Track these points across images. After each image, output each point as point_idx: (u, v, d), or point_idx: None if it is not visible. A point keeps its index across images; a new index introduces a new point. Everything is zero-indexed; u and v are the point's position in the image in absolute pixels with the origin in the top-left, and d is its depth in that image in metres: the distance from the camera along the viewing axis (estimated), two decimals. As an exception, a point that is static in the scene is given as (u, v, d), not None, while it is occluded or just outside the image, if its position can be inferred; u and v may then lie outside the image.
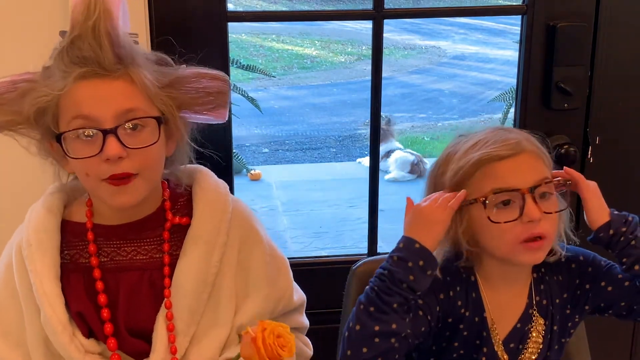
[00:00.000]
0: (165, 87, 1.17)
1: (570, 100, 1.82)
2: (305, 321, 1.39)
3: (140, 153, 1.13)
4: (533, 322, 1.26)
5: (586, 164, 1.87)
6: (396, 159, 5.41)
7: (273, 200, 4.88)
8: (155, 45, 1.61)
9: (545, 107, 1.84)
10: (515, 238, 1.17)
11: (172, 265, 1.22)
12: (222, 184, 1.28)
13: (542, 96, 1.83)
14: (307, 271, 1.91)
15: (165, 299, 1.20)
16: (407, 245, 1.18)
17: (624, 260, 1.20)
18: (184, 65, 1.23)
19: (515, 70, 1.89)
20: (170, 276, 1.21)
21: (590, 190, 1.22)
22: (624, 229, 1.19)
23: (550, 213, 1.18)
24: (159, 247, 1.22)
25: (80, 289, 1.20)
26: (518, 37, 1.86)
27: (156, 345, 1.20)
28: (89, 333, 1.20)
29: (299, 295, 1.36)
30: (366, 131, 5.75)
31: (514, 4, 1.93)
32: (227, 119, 1.27)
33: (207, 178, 1.27)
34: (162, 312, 1.21)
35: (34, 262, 1.18)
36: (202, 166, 1.30)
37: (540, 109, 1.84)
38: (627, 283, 1.23)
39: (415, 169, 5.37)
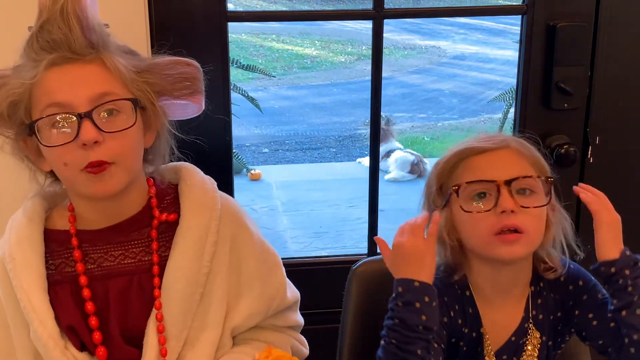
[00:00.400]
0: (141, 72, 1.15)
1: (570, 100, 1.82)
2: (299, 319, 1.36)
3: (116, 139, 1.09)
4: (529, 335, 1.25)
5: (586, 164, 1.87)
6: (396, 159, 5.41)
7: (273, 200, 4.88)
8: (156, 45, 1.62)
9: (545, 107, 1.84)
10: (489, 229, 1.16)
11: (162, 266, 1.18)
12: (209, 180, 1.25)
13: (542, 96, 1.83)
14: (307, 271, 1.91)
15: (155, 299, 1.17)
16: (407, 287, 1.14)
17: (615, 301, 1.18)
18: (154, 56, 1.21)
19: (515, 70, 1.89)
20: (160, 276, 1.17)
21: (605, 222, 1.19)
22: (627, 272, 1.16)
23: (527, 207, 1.16)
24: (147, 249, 1.19)
25: (68, 300, 1.17)
26: (518, 37, 1.86)
27: (147, 349, 1.16)
28: (81, 345, 1.17)
29: (292, 292, 1.33)
30: (366, 131, 5.75)
31: (514, 4, 1.93)
32: (203, 107, 1.24)
33: (193, 174, 1.24)
34: (153, 313, 1.17)
35: (19, 276, 1.15)
36: (186, 162, 1.27)
37: (540, 109, 1.84)
38: (612, 324, 1.20)
39: (415, 169, 5.37)
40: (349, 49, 9.43)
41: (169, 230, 1.20)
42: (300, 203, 4.80)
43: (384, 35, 1.80)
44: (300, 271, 1.88)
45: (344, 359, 1.43)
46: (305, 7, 9.75)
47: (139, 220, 1.20)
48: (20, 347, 1.19)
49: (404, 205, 4.81)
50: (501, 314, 1.24)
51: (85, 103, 1.08)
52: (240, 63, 4.67)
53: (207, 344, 1.20)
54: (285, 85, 8.18)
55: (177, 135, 1.24)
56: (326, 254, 3.88)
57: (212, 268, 1.19)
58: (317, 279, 1.90)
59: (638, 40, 1.84)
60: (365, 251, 1.96)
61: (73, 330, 1.16)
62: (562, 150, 1.81)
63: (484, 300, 1.25)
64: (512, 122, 1.98)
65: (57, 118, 1.08)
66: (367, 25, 7.52)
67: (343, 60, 9.10)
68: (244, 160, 5.07)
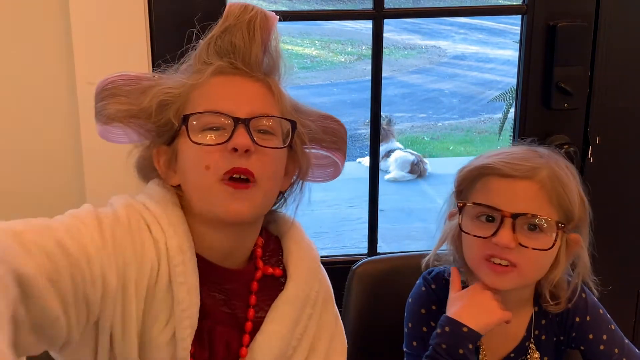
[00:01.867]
0: (298, 112, 1.11)
1: (570, 100, 1.82)
2: None
3: (264, 157, 1.02)
4: (529, 355, 1.24)
5: (586, 164, 1.87)
6: (396, 159, 5.42)
7: (273, 200, 4.88)
8: (155, 45, 1.61)
9: (545, 107, 1.83)
10: (481, 252, 1.15)
11: (255, 326, 1.08)
12: (313, 245, 1.18)
13: (542, 96, 1.83)
14: (307, 271, 1.90)
15: (241, 358, 1.07)
16: (454, 329, 1.13)
17: None
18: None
19: (515, 70, 1.89)
20: (251, 336, 1.07)
21: None
22: None
23: (526, 247, 1.12)
24: (244, 306, 1.08)
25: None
26: (518, 37, 1.86)
27: None
28: None
29: None
30: (366, 131, 5.75)
31: (514, 4, 1.93)
32: (341, 171, 1.22)
33: (302, 233, 1.17)
34: None
35: (186, 276, 1.01)
36: (290, 215, 1.18)
37: (540, 109, 1.84)
38: None
39: (415, 168, 5.37)
40: (349, 49, 9.44)
41: (269, 288, 1.10)
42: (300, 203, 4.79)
43: (384, 35, 1.80)
44: (300, 271, 1.88)
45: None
46: (305, 7, 9.75)
47: (245, 271, 1.10)
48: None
49: (404, 205, 4.81)
50: (503, 328, 1.21)
51: (244, 113, 1.03)
52: (240, 63, 4.67)
53: None
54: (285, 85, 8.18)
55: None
56: (326, 254, 3.87)
57: (300, 343, 1.10)
58: (317, 279, 1.90)
59: (638, 40, 1.83)
60: (365, 251, 1.96)
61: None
62: (562, 150, 1.80)
63: None
64: (512, 122, 1.98)
65: (213, 119, 1.02)
66: (367, 25, 7.52)
67: (343, 60, 9.11)
68: (244, 160, 5.07)
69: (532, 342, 1.24)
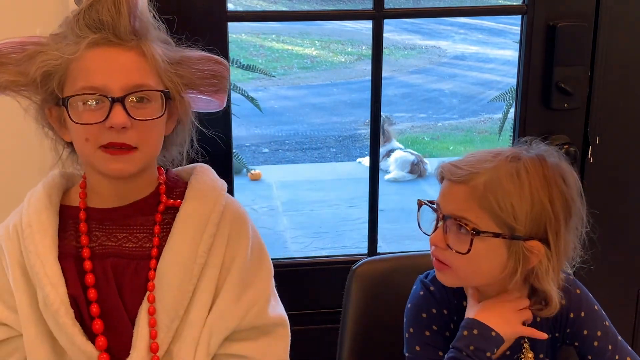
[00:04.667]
0: (173, 64, 1.19)
1: (570, 100, 1.82)
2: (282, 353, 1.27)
3: (142, 126, 1.13)
4: (523, 352, 1.25)
5: (586, 163, 1.87)
6: (396, 159, 5.41)
7: (273, 200, 4.88)
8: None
9: (545, 107, 1.84)
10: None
11: (160, 252, 1.19)
12: (220, 181, 1.27)
13: (542, 96, 1.83)
14: (307, 271, 1.91)
15: (149, 292, 1.17)
16: (482, 333, 1.16)
17: None
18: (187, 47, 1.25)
19: (515, 70, 1.89)
20: (157, 260, 1.19)
21: None
22: None
23: (448, 249, 1.16)
24: (150, 236, 1.21)
25: (73, 272, 1.18)
26: (518, 37, 1.86)
27: (136, 342, 1.16)
28: (80, 317, 1.18)
29: (277, 312, 1.27)
30: (366, 131, 5.76)
31: (514, 4, 1.92)
32: (225, 105, 1.29)
33: (205, 171, 1.27)
34: (145, 305, 1.17)
35: (35, 243, 1.17)
36: (203, 164, 1.30)
37: (540, 108, 1.84)
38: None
39: (415, 169, 5.37)
40: (349, 49, 9.43)
41: (173, 218, 1.21)
42: (300, 203, 4.80)
43: (384, 35, 1.80)
44: (300, 271, 1.88)
45: (344, 359, 1.43)
46: (305, 7, 9.75)
47: (146, 204, 1.22)
48: (22, 315, 1.19)
49: (404, 205, 4.81)
50: None
51: (119, 89, 1.11)
52: (240, 63, 4.67)
53: (190, 340, 1.18)
54: (285, 85, 8.18)
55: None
56: (326, 254, 3.88)
57: (207, 261, 1.19)
58: (317, 279, 1.90)
59: (638, 40, 1.84)
60: (365, 251, 1.96)
61: (74, 300, 1.17)
62: (562, 150, 1.80)
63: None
64: (512, 122, 1.98)
65: (91, 99, 1.11)
66: (367, 25, 7.50)
67: (343, 60, 9.10)
68: (244, 160, 5.08)
69: (526, 341, 1.24)
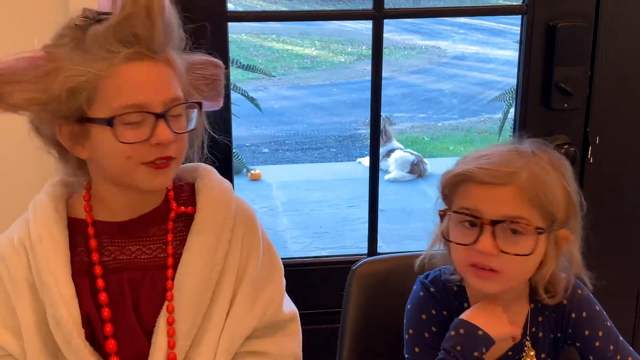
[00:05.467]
0: (189, 70, 1.18)
1: (570, 100, 1.82)
2: (296, 349, 1.29)
3: (180, 137, 1.13)
4: (524, 352, 1.24)
5: (586, 163, 1.87)
6: (396, 159, 5.41)
7: (273, 200, 4.88)
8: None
9: (545, 107, 1.83)
10: (465, 259, 1.14)
11: (176, 261, 1.18)
12: (226, 182, 1.27)
13: (542, 96, 1.83)
14: (307, 271, 1.91)
15: (167, 302, 1.17)
16: (469, 332, 1.14)
17: None
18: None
19: (515, 70, 1.89)
20: (174, 270, 1.17)
21: None
22: None
23: (507, 253, 1.11)
24: (164, 246, 1.19)
25: (86, 290, 1.16)
26: (518, 37, 1.86)
27: (154, 353, 1.15)
28: (91, 336, 1.16)
29: (290, 308, 1.30)
30: (366, 131, 5.76)
31: (514, 4, 1.92)
32: (221, 104, 1.28)
33: (210, 173, 1.26)
34: (163, 315, 1.16)
35: (47, 259, 1.14)
36: (204, 164, 1.28)
37: (540, 109, 1.84)
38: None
39: (415, 169, 5.37)
40: (349, 49, 9.43)
41: (185, 224, 1.21)
42: (300, 203, 4.80)
43: (384, 35, 1.80)
44: (300, 271, 1.88)
45: (344, 359, 1.43)
46: (305, 7, 9.75)
47: (158, 213, 1.20)
48: (26, 333, 1.16)
49: (404, 205, 4.81)
50: None
51: (160, 104, 1.09)
52: (240, 63, 4.67)
53: (210, 346, 1.18)
54: (285, 85, 8.19)
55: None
56: (326, 254, 3.88)
57: (224, 266, 1.19)
58: (317, 279, 1.90)
59: (638, 40, 1.84)
60: (365, 251, 1.96)
61: (88, 319, 1.15)
62: (562, 150, 1.80)
63: None
64: (512, 122, 1.98)
65: (136, 118, 1.08)
66: (367, 25, 7.51)
67: (343, 60, 9.10)
68: (244, 160, 5.08)
69: (528, 340, 1.24)
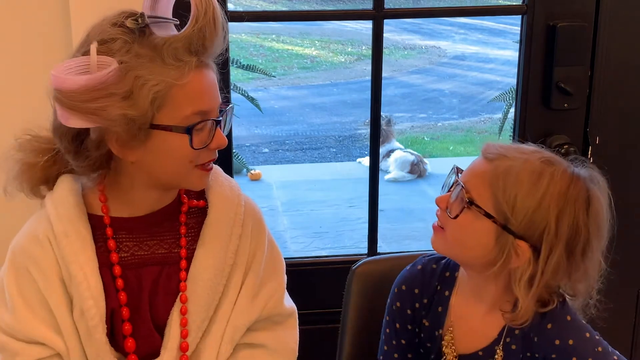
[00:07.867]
0: None
1: (570, 100, 1.82)
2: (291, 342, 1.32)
3: None
4: (495, 359, 1.23)
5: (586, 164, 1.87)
6: (396, 159, 5.41)
7: (273, 200, 4.88)
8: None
9: (545, 107, 1.84)
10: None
11: (190, 254, 1.21)
12: (234, 181, 1.30)
13: (542, 96, 1.83)
14: (307, 271, 1.91)
15: (181, 292, 1.20)
16: None
17: None
18: None
19: (515, 70, 1.89)
20: (188, 263, 1.21)
21: None
22: None
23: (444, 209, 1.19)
24: (178, 241, 1.22)
25: (110, 285, 1.17)
26: (518, 37, 1.86)
27: (168, 342, 1.19)
28: (112, 329, 1.18)
29: (290, 303, 1.33)
30: (366, 131, 5.75)
31: (514, 4, 1.93)
32: None
33: (218, 172, 1.28)
34: (177, 306, 1.20)
35: (75, 253, 1.15)
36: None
37: (540, 109, 1.84)
38: None
39: (415, 169, 5.37)
40: (349, 49, 9.43)
41: (198, 222, 1.24)
42: (300, 203, 4.80)
43: (384, 35, 1.80)
44: (300, 271, 1.88)
45: (344, 359, 1.43)
46: (305, 7, 9.76)
47: (171, 207, 1.23)
48: (64, 328, 1.18)
49: (404, 205, 4.81)
50: (477, 323, 1.23)
51: (216, 110, 1.15)
52: (240, 63, 4.68)
53: (217, 337, 1.22)
54: (285, 85, 8.19)
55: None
56: (326, 254, 3.88)
57: (235, 260, 1.23)
58: (317, 279, 1.90)
59: (638, 40, 1.84)
60: (365, 251, 1.96)
61: (111, 314, 1.17)
62: (562, 150, 1.80)
63: (463, 302, 1.25)
64: (512, 122, 1.98)
65: (205, 124, 1.12)
66: (367, 25, 7.52)
67: (343, 60, 9.10)
68: (244, 160, 5.08)
69: (500, 349, 1.22)
